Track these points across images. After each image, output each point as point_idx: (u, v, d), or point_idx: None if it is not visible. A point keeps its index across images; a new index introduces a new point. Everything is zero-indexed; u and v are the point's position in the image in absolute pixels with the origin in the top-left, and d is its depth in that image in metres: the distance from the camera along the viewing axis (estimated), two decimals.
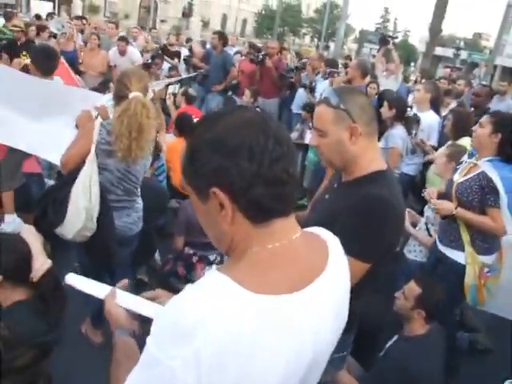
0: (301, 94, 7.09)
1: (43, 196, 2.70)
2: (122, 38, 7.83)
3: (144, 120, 2.57)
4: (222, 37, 7.55)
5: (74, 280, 1.39)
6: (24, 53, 6.88)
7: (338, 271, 1.04)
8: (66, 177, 2.66)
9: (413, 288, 2.58)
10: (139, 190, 2.96)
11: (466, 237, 2.90)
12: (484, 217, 2.82)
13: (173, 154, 4.32)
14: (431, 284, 2.65)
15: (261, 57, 7.17)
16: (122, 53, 7.56)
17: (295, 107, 7.09)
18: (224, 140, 0.90)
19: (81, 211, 2.53)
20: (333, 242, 1.09)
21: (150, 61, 7.53)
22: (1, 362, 1.69)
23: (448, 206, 2.94)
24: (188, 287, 0.91)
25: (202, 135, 0.93)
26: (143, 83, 2.69)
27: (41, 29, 8.04)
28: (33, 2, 31.12)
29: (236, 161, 0.88)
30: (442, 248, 3.06)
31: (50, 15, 15.33)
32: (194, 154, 0.93)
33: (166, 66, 8.22)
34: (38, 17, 13.98)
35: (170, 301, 0.90)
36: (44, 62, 3.42)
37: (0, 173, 3.15)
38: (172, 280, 3.63)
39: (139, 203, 2.99)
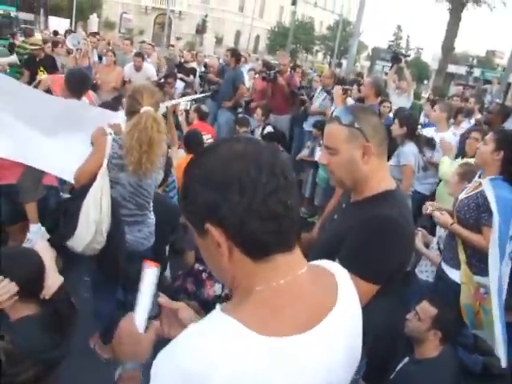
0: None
1: (55, 209, 2.75)
2: (138, 54, 7.95)
3: (154, 134, 2.61)
4: (235, 54, 7.62)
5: None
6: (41, 68, 7.02)
7: (348, 306, 1.01)
8: (78, 190, 2.70)
9: (427, 309, 2.54)
10: (151, 204, 2.99)
11: (462, 255, 2.88)
12: (477, 235, 2.81)
13: (182, 170, 4.29)
14: (445, 304, 2.61)
15: (272, 74, 7.21)
16: (138, 69, 7.68)
17: (307, 125, 7.12)
18: (213, 174, 0.88)
19: (91, 224, 2.56)
20: (341, 276, 1.05)
21: (162, 80, 7.61)
22: (2, 374, 1.69)
23: (446, 219, 2.96)
24: (192, 329, 0.89)
25: (192, 170, 0.92)
26: (155, 98, 2.75)
27: (55, 44, 8.19)
28: (51, 19, 31.82)
29: (226, 195, 0.85)
30: (443, 266, 3.05)
31: (68, 32, 15.66)
32: (185, 189, 0.92)
33: (179, 84, 8.32)
34: (55, 33, 14.29)
35: (174, 344, 0.88)
36: (77, 86, 3.59)
37: (23, 185, 3.22)
38: (181, 296, 3.62)
39: (151, 218, 3.02)
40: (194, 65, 10.18)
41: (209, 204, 0.87)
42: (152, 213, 3.03)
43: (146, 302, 1.24)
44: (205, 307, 3.57)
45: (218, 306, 0.93)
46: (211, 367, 0.80)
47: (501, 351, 2.64)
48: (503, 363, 2.69)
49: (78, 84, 3.62)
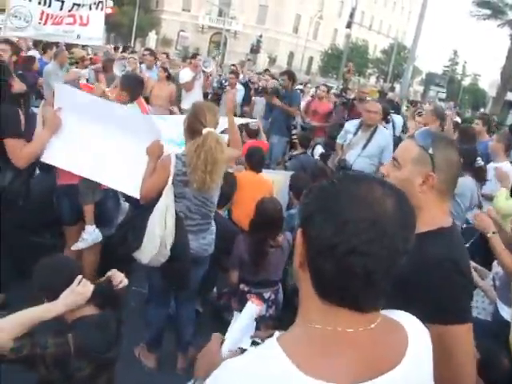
0: None
1: (124, 222, 2.89)
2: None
3: (218, 155, 2.74)
4: (292, 77, 7.71)
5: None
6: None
7: (416, 365, 0.94)
8: (145, 205, 2.83)
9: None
10: (213, 213, 3.11)
11: None
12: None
13: (239, 188, 4.29)
14: (493, 349, 2.39)
15: (350, 100, 7.25)
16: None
17: None
18: (331, 196, 0.88)
19: (156, 238, 2.68)
20: (415, 332, 0.99)
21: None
22: (68, 367, 1.77)
23: (488, 225, 2.78)
24: (247, 355, 0.92)
25: (324, 183, 0.94)
26: (216, 118, 2.89)
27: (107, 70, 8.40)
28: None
29: (324, 221, 0.86)
30: (498, 303, 2.92)
31: (126, 48, 16.30)
32: (307, 192, 0.94)
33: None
34: (115, 48, 14.91)
35: (224, 365, 0.91)
36: (135, 88, 3.77)
37: (82, 187, 3.38)
38: (225, 314, 3.65)
39: (213, 226, 3.15)
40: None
41: (310, 217, 0.88)
42: (213, 221, 3.16)
43: (238, 334, 1.30)
44: None
45: (276, 333, 0.93)
46: None
47: None
48: None
49: (136, 87, 3.81)
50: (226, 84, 8.35)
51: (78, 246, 3.45)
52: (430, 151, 1.57)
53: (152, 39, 47.51)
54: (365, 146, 4.91)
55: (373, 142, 4.90)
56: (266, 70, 14.05)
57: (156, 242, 2.66)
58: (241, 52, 50.74)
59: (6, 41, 5.81)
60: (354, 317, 0.87)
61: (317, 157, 6.84)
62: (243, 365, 0.87)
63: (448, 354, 1.38)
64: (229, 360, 0.92)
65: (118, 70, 6.58)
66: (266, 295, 3.53)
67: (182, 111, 7.63)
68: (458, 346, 1.41)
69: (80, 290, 1.94)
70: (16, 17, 6.81)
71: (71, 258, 2.13)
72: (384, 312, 0.96)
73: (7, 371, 2.02)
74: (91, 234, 3.47)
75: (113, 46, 16.17)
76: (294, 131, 7.50)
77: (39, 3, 6.97)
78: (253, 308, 1.35)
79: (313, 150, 7.20)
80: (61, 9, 7.21)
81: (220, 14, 54.71)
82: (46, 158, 3.33)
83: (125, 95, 3.61)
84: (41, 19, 7.01)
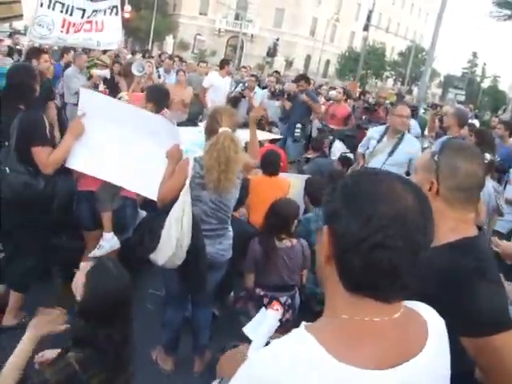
0: None
1: (141, 225, 2.91)
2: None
3: (231, 154, 2.74)
4: (308, 81, 7.90)
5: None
6: (105, 86, 7.40)
7: (437, 354, 0.97)
8: (161, 207, 2.85)
9: None
10: (230, 218, 3.11)
11: None
12: None
13: (254, 192, 4.33)
14: None
15: (372, 106, 7.22)
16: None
17: None
18: (355, 193, 0.92)
19: (172, 240, 2.68)
20: (434, 323, 1.02)
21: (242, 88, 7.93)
22: (77, 380, 1.78)
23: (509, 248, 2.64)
24: (275, 342, 0.95)
25: (352, 176, 0.99)
26: (234, 120, 2.89)
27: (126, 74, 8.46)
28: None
29: (349, 217, 0.89)
30: None
31: (146, 51, 16.49)
32: (330, 190, 0.97)
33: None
34: (133, 53, 15.11)
35: (255, 353, 0.96)
36: (161, 100, 3.77)
37: (101, 194, 3.44)
38: (242, 318, 3.65)
39: (230, 231, 3.15)
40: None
41: (336, 213, 0.92)
42: (230, 226, 3.16)
43: (262, 338, 1.35)
44: None
45: (303, 324, 0.96)
46: (283, 377, 0.84)
47: None
48: None
49: (162, 98, 3.81)
50: (245, 87, 8.36)
51: (96, 253, 3.47)
52: (436, 158, 1.57)
53: (169, 43, 47.99)
54: (391, 154, 4.58)
55: (399, 150, 4.56)
56: (276, 72, 14.03)
57: (172, 243, 2.67)
58: (257, 55, 50.87)
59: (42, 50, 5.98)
60: (380, 307, 0.91)
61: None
62: (276, 350, 0.90)
63: (498, 362, 1.36)
64: (264, 350, 0.95)
65: (136, 70, 6.69)
66: (283, 299, 3.52)
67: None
68: (508, 353, 1.36)
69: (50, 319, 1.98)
70: (40, 25, 6.99)
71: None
72: (404, 302, 0.99)
73: None
74: (109, 241, 3.50)
75: (130, 50, 16.42)
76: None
77: (61, 11, 7.13)
78: (275, 314, 1.41)
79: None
80: (82, 17, 7.37)
81: (237, 17, 54.95)
82: (70, 164, 3.38)
83: (150, 107, 3.60)
84: (62, 27, 7.17)
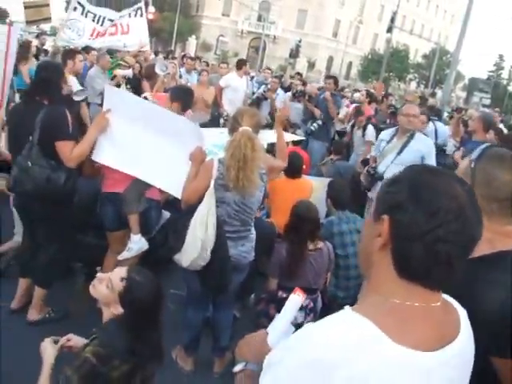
0: None
1: (165, 225, 2.92)
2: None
3: (248, 151, 2.72)
4: (336, 82, 7.82)
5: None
6: (128, 86, 7.47)
7: (468, 342, 1.05)
8: (186, 208, 2.85)
9: None
10: (253, 220, 3.10)
11: None
12: None
13: (277, 194, 4.30)
14: None
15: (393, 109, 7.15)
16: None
17: None
18: (421, 187, 0.96)
19: (197, 242, 2.68)
20: (462, 312, 1.09)
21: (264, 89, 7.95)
22: (97, 373, 1.80)
23: None
24: (323, 323, 0.98)
25: (415, 170, 1.02)
26: (255, 120, 2.89)
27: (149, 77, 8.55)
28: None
29: (416, 210, 0.94)
30: None
31: (169, 52, 16.64)
32: (391, 182, 1.02)
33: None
34: (156, 53, 15.26)
35: (305, 334, 0.98)
36: (186, 100, 3.76)
37: (127, 196, 3.47)
38: (263, 320, 3.64)
39: (253, 233, 3.14)
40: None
41: (398, 204, 0.96)
42: (253, 228, 3.14)
43: (283, 323, 1.40)
44: None
45: (347, 307, 1.00)
46: (342, 362, 0.88)
47: None
48: None
49: (187, 99, 3.81)
50: (267, 89, 8.35)
51: (124, 255, 3.50)
52: (472, 165, 1.53)
53: (192, 44, 48.24)
54: (399, 153, 4.53)
55: (409, 149, 4.50)
56: (298, 74, 13.99)
57: (197, 244, 2.67)
58: (279, 56, 50.88)
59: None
60: (427, 294, 0.98)
61: (370, 137, 6.70)
62: (331, 332, 0.93)
63: None
64: (308, 325, 1.00)
65: (159, 70, 6.77)
66: (305, 303, 3.51)
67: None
68: None
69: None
70: (70, 29, 7.13)
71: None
72: None
73: None
74: (137, 243, 3.52)
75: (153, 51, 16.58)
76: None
77: (93, 20, 7.28)
78: (297, 299, 1.45)
79: (364, 130, 7.11)
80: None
81: (259, 18, 55.07)
82: (97, 157, 3.43)
83: (175, 107, 3.60)
84: (91, 35, 7.33)
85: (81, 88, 4.54)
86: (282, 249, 3.49)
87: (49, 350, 2.00)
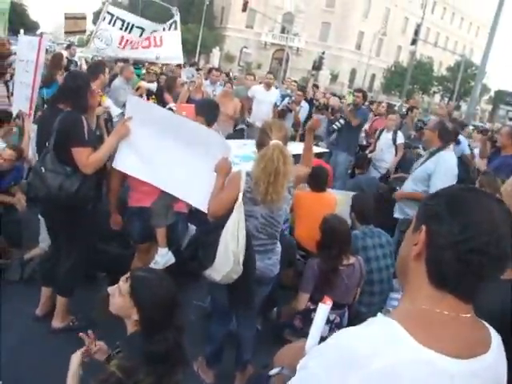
0: None
1: (193, 239, 2.90)
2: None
3: (280, 166, 2.69)
4: (365, 96, 7.78)
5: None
6: (153, 97, 7.56)
7: (499, 358, 1.06)
8: (215, 222, 2.83)
9: None
10: (279, 233, 3.08)
11: None
12: None
13: (301, 207, 4.28)
14: None
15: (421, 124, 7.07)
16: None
17: None
18: (458, 200, 1.01)
19: (229, 255, 2.65)
20: (493, 331, 1.10)
21: (289, 101, 7.95)
22: None
23: None
24: (362, 325, 1.04)
25: (453, 187, 1.09)
26: (283, 133, 2.87)
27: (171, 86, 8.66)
28: None
29: (451, 221, 0.98)
30: None
31: (194, 63, 16.82)
32: (432, 196, 1.08)
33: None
34: (179, 65, 15.42)
35: (341, 332, 1.04)
36: (212, 115, 3.73)
37: (155, 210, 3.45)
38: (287, 331, 3.61)
39: (279, 246, 3.12)
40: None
41: (435, 214, 1.02)
42: (279, 241, 3.12)
43: (316, 332, 1.48)
44: None
45: (379, 314, 1.07)
46: (374, 355, 0.92)
47: None
48: None
49: (212, 112, 3.78)
50: (292, 101, 8.37)
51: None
52: None
53: (215, 55, 48.80)
54: (415, 169, 4.65)
55: (423, 166, 4.52)
56: (315, 86, 13.97)
57: (230, 259, 2.64)
58: (302, 68, 51.01)
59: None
60: (459, 304, 1.00)
61: (400, 141, 6.62)
62: (365, 331, 1.00)
63: None
64: (343, 329, 1.05)
65: (185, 76, 6.83)
66: (331, 317, 3.46)
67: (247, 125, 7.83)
68: None
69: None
70: (99, 39, 7.28)
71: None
72: None
73: None
74: (164, 257, 3.50)
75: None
76: None
77: (120, 28, 7.41)
78: (325, 308, 1.52)
79: (395, 134, 7.07)
80: (140, 36, 7.62)
81: (283, 30, 55.38)
82: (118, 165, 3.41)
83: (200, 121, 3.55)
84: (120, 44, 7.44)
85: (121, 111, 4.54)
86: (315, 264, 3.45)
87: (74, 359, 2.02)
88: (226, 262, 2.65)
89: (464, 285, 0.99)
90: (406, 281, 1.08)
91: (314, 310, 3.49)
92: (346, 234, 3.46)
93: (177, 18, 7.83)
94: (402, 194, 4.65)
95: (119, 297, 1.98)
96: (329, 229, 3.45)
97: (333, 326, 3.43)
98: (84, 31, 7.77)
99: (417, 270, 1.04)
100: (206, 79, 9.29)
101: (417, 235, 1.04)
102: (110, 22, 7.35)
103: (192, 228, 3.98)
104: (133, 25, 7.62)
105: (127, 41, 7.49)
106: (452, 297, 1.00)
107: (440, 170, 4.35)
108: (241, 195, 2.74)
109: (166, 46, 7.64)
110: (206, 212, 2.94)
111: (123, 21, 7.45)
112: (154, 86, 7.25)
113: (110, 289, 2.05)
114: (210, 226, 2.85)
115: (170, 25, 7.75)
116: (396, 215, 4.69)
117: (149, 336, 1.93)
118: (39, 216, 3.85)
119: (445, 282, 1.00)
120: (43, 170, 3.15)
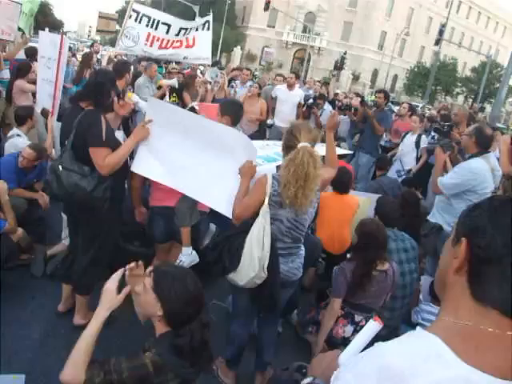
0: None
1: (218, 243, 2.88)
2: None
3: (310, 169, 2.65)
4: (387, 96, 7.66)
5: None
6: (174, 94, 7.57)
7: None
8: (240, 226, 2.81)
9: None
10: (304, 237, 3.05)
11: None
12: None
13: (324, 208, 4.23)
14: None
15: (447, 128, 6.91)
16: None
17: None
18: (501, 213, 0.98)
19: (255, 260, 2.64)
20: None
21: (311, 101, 7.81)
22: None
23: None
24: (400, 338, 1.01)
25: (498, 200, 1.03)
26: (312, 135, 2.81)
27: (189, 84, 8.62)
28: None
29: (494, 234, 0.94)
30: None
31: (214, 63, 16.83)
32: (473, 207, 1.04)
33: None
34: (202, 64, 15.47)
35: (379, 346, 1.01)
36: (236, 115, 3.65)
37: (180, 210, 3.43)
38: (309, 329, 3.59)
39: (303, 250, 3.08)
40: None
41: (477, 227, 0.98)
42: (303, 245, 3.09)
43: (356, 347, 1.40)
44: (328, 343, 3.44)
45: (419, 327, 1.02)
46: (408, 374, 0.89)
47: None
48: None
49: (234, 112, 3.69)
50: (314, 103, 8.31)
51: None
52: None
53: (237, 54, 48.86)
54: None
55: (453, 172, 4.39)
56: (325, 83, 13.83)
57: (255, 263, 2.63)
58: (323, 68, 50.79)
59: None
60: (503, 321, 0.94)
61: (424, 145, 6.54)
62: (405, 345, 0.97)
63: None
64: (382, 343, 1.01)
65: (208, 76, 6.85)
66: (358, 318, 3.42)
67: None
68: None
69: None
70: (127, 37, 7.35)
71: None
72: None
73: None
74: (188, 257, 3.50)
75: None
76: None
77: (146, 25, 7.47)
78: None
79: (419, 137, 7.00)
80: (167, 32, 7.64)
81: (304, 30, 55.16)
82: (137, 169, 3.37)
83: (225, 121, 3.49)
84: (147, 41, 7.50)
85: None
86: (348, 269, 3.40)
87: (112, 293, 1.96)
88: (251, 267, 2.64)
89: (509, 300, 0.94)
90: (446, 294, 1.05)
91: (342, 309, 3.45)
92: (382, 239, 3.39)
93: (209, 17, 7.85)
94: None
95: (145, 294, 1.97)
96: (365, 233, 3.38)
97: (358, 327, 3.40)
98: (114, 32, 7.90)
99: (457, 284, 1.01)
100: (231, 79, 9.28)
101: (457, 248, 1.01)
102: (136, 20, 7.40)
103: (212, 228, 3.97)
104: (158, 21, 7.65)
105: (154, 37, 7.53)
106: (496, 313, 0.95)
107: (455, 169, 4.32)
108: (267, 199, 2.71)
109: (198, 46, 7.68)
110: (230, 217, 2.91)
111: (149, 17, 7.49)
112: (174, 81, 7.25)
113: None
114: (234, 230, 2.83)
115: (203, 25, 7.77)
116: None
117: (175, 330, 1.92)
118: (62, 213, 3.88)
119: (488, 298, 0.96)
120: (60, 169, 3.13)
